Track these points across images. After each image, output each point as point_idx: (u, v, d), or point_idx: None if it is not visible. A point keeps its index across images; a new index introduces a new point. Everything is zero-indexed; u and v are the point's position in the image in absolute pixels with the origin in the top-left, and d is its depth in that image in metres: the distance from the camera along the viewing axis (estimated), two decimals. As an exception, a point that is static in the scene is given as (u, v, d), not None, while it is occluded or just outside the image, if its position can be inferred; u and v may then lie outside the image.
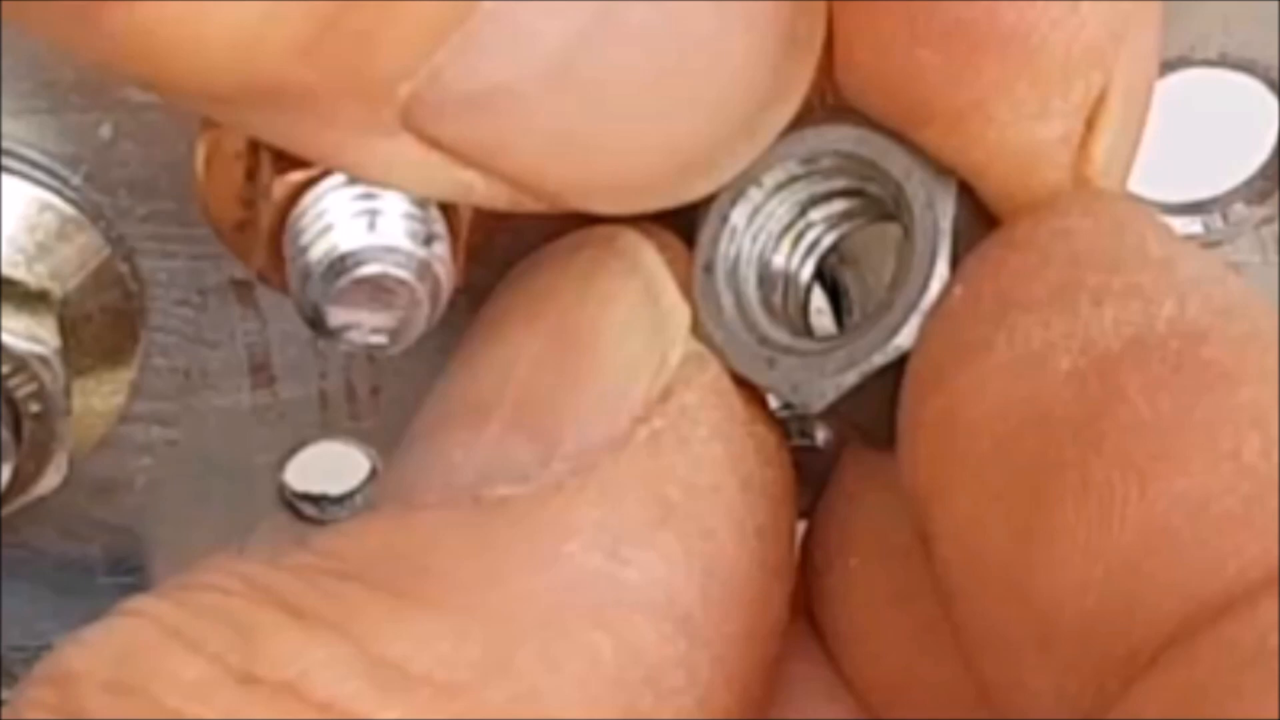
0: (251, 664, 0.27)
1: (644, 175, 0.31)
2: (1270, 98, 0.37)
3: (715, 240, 0.32)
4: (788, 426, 0.34)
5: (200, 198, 0.33)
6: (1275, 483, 0.26)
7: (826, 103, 0.32)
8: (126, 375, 0.37)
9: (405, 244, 0.31)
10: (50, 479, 0.36)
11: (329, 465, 0.40)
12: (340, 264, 0.31)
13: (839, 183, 0.32)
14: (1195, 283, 0.29)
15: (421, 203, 0.31)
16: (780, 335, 0.32)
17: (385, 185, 0.31)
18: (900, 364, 0.30)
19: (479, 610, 0.28)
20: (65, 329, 0.35)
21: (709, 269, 0.32)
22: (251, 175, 0.33)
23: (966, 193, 0.31)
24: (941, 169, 0.31)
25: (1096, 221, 0.30)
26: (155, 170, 0.35)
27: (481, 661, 0.28)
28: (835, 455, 0.34)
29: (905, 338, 0.30)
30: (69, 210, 0.35)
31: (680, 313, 0.31)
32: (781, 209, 0.32)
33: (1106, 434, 0.27)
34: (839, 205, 0.33)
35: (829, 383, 0.31)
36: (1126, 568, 0.26)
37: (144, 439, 0.38)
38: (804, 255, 0.33)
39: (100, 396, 0.37)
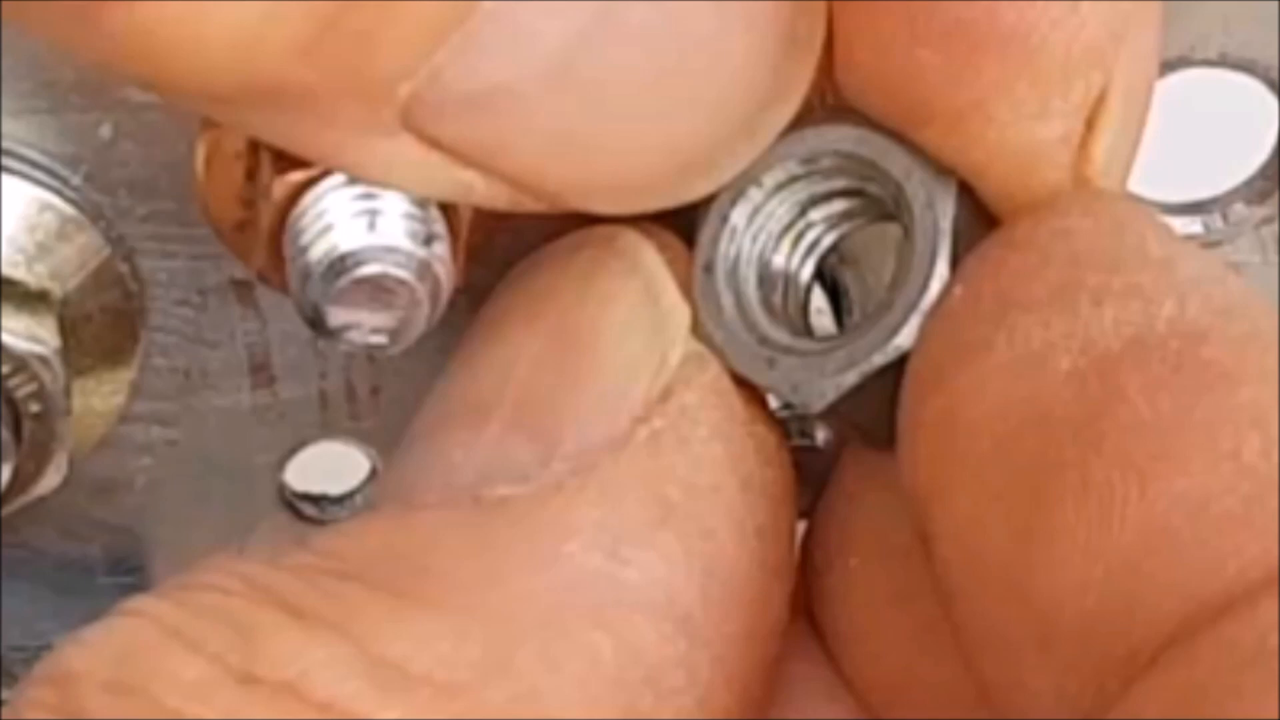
0: (251, 664, 0.27)
1: (644, 175, 0.31)
2: (1270, 98, 0.37)
3: (715, 240, 0.32)
4: (788, 426, 0.34)
5: (200, 198, 0.33)
6: (1275, 483, 0.26)
7: (826, 103, 0.32)
8: (126, 375, 0.37)
9: (405, 244, 0.31)
10: (50, 479, 0.36)
11: (329, 465, 0.40)
12: (340, 264, 0.31)
13: (839, 183, 0.32)
14: (1195, 283, 0.29)
15: (421, 203, 0.31)
16: (780, 335, 0.32)
17: (385, 185, 0.31)
18: (900, 364, 0.30)
19: (479, 610, 0.28)
20: (65, 329, 0.35)
21: (709, 269, 0.32)
22: (251, 175, 0.33)
23: (966, 193, 0.31)
24: (941, 169, 0.31)
25: (1096, 221, 0.30)
26: (155, 170, 0.35)
27: (481, 661, 0.28)
28: (835, 455, 0.34)
29: (905, 338, 0.30)
30: (69, 210, 0.35)
31: (680, 313, 0.31)
32: (781, 209, 0.32)
33: (1106, 434, 0.27)
34: (839, 205, 0.33)
35: (829, 383, 0.31)
36: (1126, 568, 0.26)
37: (144, 439, 0.38)
38: (804, 255, 0.33)
39: (100, 396, 0.37)
